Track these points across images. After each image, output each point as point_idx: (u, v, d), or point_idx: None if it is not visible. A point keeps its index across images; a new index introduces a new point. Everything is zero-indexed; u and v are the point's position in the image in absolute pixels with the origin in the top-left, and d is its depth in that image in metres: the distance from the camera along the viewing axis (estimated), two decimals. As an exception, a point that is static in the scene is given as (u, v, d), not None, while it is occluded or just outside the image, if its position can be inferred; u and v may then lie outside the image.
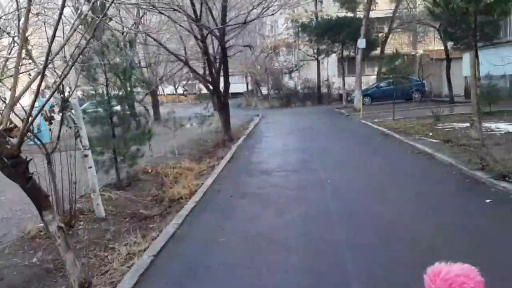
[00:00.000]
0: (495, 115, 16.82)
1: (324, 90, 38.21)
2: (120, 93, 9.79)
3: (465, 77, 28.25)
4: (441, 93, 32.26)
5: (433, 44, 36.48)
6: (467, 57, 28.32)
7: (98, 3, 7.93)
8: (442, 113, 17.56)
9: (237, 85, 54.20)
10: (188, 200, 8.57)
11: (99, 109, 9.29)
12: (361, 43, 24.28)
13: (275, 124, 21.86)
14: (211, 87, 15.57)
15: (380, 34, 33.70)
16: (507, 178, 7.65)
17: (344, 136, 15.55)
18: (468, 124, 13.06)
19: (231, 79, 56.31)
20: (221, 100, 15.49)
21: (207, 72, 16.71)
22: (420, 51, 39.56)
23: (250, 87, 49.91)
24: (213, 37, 15.32)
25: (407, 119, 18.58)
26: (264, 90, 45.48)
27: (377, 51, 34.67)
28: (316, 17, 31.78)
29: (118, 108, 9.74)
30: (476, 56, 10.69)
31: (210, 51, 16.10)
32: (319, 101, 37.21)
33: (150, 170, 11.15)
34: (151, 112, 25.93)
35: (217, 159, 12.75)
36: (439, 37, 23.52)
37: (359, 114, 21.98)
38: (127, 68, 9.98)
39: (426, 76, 29.91)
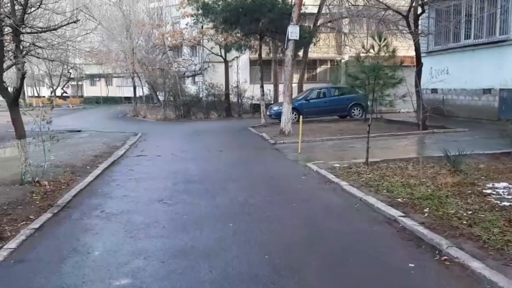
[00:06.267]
0: None
1: (233, 99, 28.59)
2: None
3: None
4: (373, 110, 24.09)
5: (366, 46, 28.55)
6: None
7: None
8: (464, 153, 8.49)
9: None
10: None
11: None
12: (294, 31, 14.89)
13: (150, 161, 11.56)
14: None
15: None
16: None
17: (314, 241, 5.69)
18: None
19: (120, 81, 43.99)
20: None
21: None
22: (346, 57, 31.54)
23: (146, 92, 38.11)
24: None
25: (391, 162, 9.38)
26: (162, 96, 34.83)
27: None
28: None
29: None
30: None
31: None
32: (227, 113, 27.47)
33: None
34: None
35: None
36: (406, 31, 14.61)
37: (294, 144, 12.52)
38: None
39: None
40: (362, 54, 9.13)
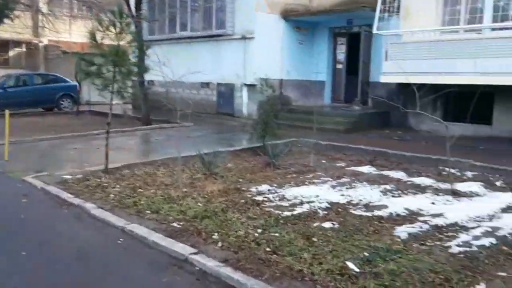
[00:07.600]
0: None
1: None
2: None
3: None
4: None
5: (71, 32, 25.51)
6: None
7: None
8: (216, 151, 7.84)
9: None
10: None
11: None
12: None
13: None
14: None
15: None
16: None
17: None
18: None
19: None
20: None
21: None
22: (45, 41, 27.23)
23: None
24: None
25: (135, 168, 7.78)
26: None
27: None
28: None
29: None
30: None
31: None
32: None
33: None
34: None
35: None
36: (131, 15, 12.84)
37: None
38: None
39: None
40: (99, 33, 7.00)
